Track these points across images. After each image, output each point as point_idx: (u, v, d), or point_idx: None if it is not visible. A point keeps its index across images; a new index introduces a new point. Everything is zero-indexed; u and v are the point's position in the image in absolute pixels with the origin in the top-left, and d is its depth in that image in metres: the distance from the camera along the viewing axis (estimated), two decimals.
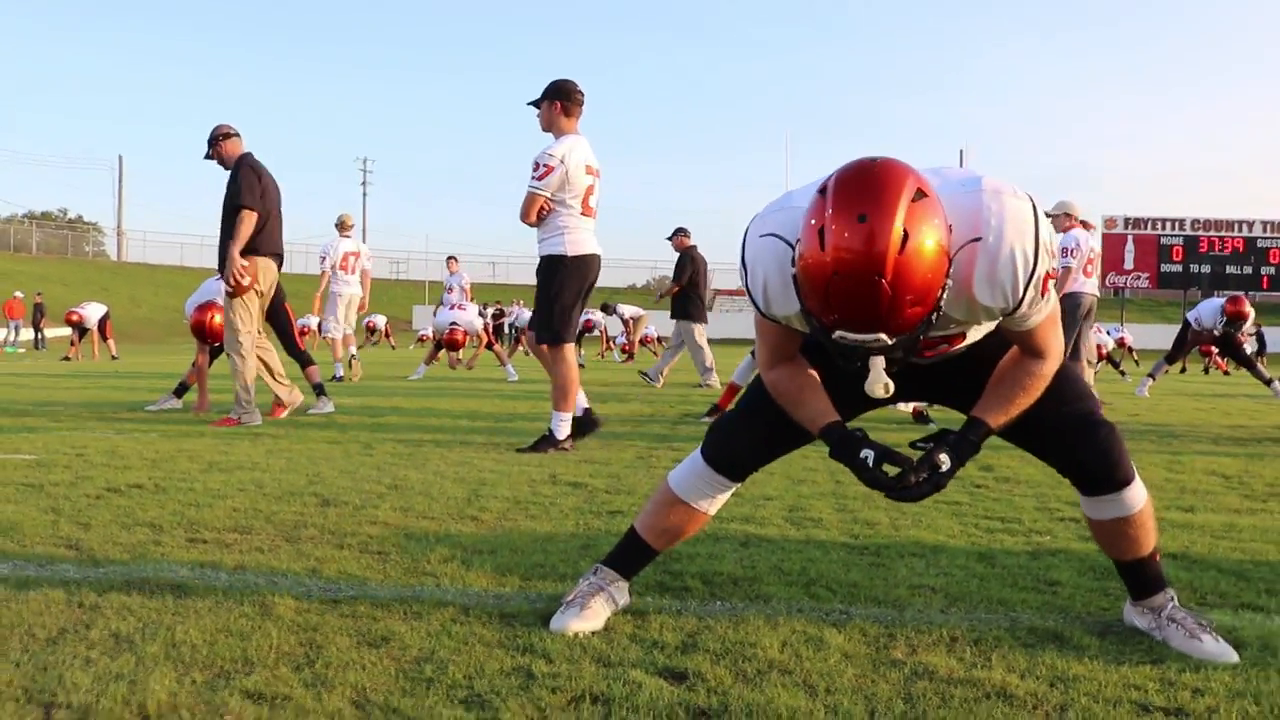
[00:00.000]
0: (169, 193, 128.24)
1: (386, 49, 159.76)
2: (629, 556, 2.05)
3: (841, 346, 1.53)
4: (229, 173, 5.77)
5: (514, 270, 51.94)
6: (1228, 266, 38.64)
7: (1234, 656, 1.79)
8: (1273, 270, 38.69)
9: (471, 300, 13.52)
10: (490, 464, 4.21)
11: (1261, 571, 2.47)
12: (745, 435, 1.97)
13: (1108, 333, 17.83)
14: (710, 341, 10.34)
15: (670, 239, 10.46)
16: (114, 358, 17.51)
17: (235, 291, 5.66)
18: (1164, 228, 39.12)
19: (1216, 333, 10.41)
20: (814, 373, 1.86)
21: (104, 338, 18.06)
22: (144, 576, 2.23)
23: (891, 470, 1.74)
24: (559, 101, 4.83)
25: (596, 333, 20.17)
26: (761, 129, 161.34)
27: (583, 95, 4.89)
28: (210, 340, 6.58)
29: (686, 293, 10.19)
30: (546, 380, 5.14)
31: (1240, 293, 12.78)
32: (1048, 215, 8.65)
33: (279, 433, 5.26)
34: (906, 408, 6.39)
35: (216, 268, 5.91)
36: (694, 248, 10.33)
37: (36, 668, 1.66)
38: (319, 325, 11.74)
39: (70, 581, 2.18)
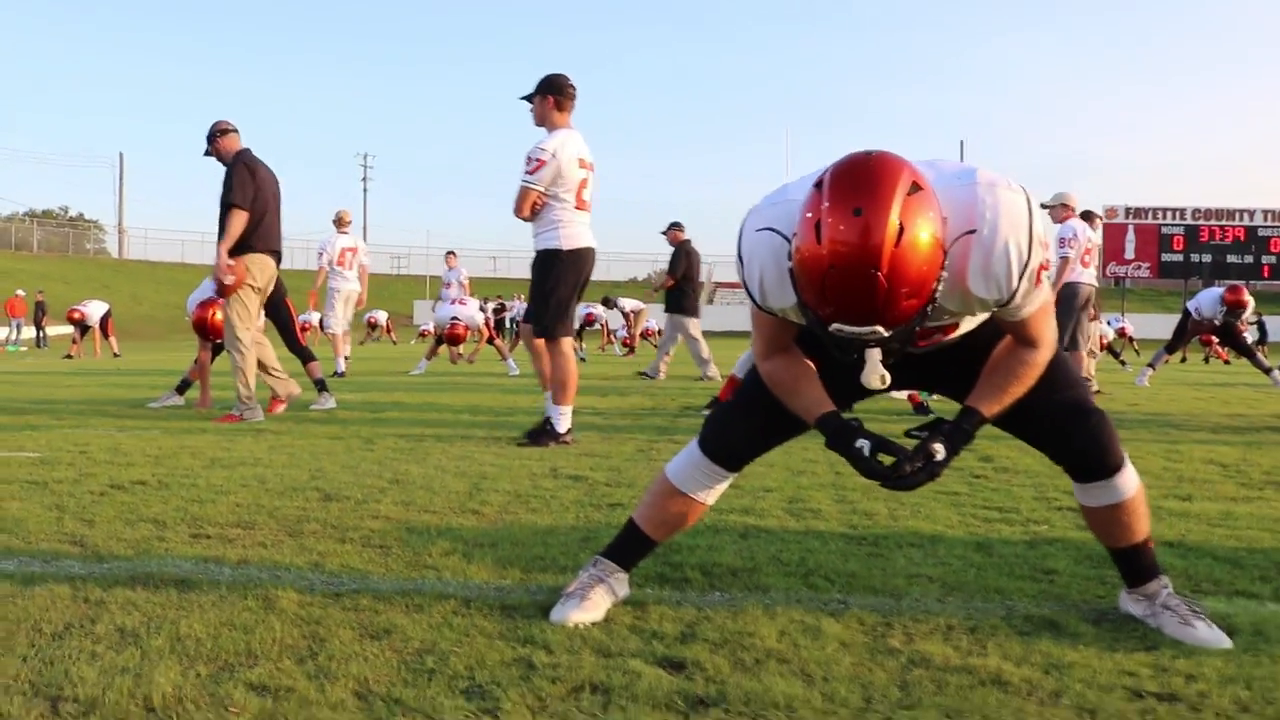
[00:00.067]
0: (170, 189, 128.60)
1: (386, 44, 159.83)
2: (628, 548, 2.07)
3: (838, 339, 1.54)
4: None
5: (514, 264, 51.84)
6: (1229, 256, 38.65)
7: (1227, 642, 1.80)
8: (1274, 259, 38.69)
9: (471, 295, 13.53)
10: (491, 458, 4.22)
11: (1256, 559, 2.48)
12: (742, 426, 1.99)
13: (1108, 323, 17.82)
14: (710, 334, 10.36)
15: (665, 233, 10.47)
16: (116, 355, 17.53)
17: (221, 291, 5.67)
18: (1165, 217, 39.12)
19: (1217, 322, 10.43)
20: (809, 363, 1.87)
21: (106, 335, 18.09)
22: (148, 572, 2.25)
23: (887, 460, 1.76)
24: (551, 96, 4.85)
25: (597, 326, 20.16)
26: (761, 121, 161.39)
27: (575, 89, 4.91)
28: (212, 337, 6.59)
29: (681, 287, 10.21)
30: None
31: (1240, 282, 12.76)
32: (1045, 206, 8.60)
33: (281, 428, 5.27)
34: (902, 395, 6.41)
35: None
36: (688, 242, 10.34)
37: (43, 662, 1.68)
38: (320, 321, 11.75)
39: (75, 577, 2.20)
